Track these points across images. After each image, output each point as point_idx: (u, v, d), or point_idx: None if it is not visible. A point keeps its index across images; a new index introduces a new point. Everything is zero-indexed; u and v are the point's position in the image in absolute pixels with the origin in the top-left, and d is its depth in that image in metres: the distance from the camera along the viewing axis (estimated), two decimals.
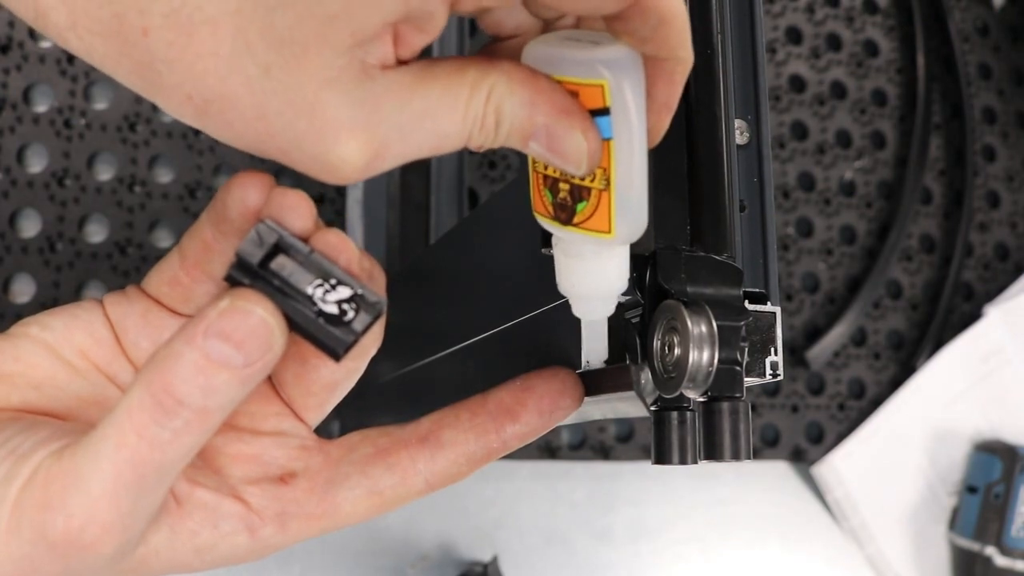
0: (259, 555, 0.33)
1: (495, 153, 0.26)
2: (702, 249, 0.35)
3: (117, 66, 0.28)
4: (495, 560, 0.71)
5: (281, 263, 0.29)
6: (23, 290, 0.67)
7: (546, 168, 0.31)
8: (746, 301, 0.35)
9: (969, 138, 0.89)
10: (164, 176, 0.70)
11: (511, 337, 0.41)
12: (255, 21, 0.27)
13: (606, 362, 0.35)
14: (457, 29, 0.71)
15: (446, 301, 0.51)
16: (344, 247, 0.30)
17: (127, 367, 0.34)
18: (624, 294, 0.34)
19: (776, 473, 0.83)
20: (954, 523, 0.83)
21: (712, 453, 0.33)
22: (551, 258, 0.33)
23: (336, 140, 0.28)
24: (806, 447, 0.82)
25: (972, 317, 0.88)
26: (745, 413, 0.33)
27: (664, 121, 0.31)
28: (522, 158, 0.34)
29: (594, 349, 0.34)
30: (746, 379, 0.34)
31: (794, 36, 0.88)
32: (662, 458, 0.33)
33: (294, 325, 0.29)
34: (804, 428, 0.83)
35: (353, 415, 0.64)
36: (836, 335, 0.83)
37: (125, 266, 0.68)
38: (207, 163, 0.71)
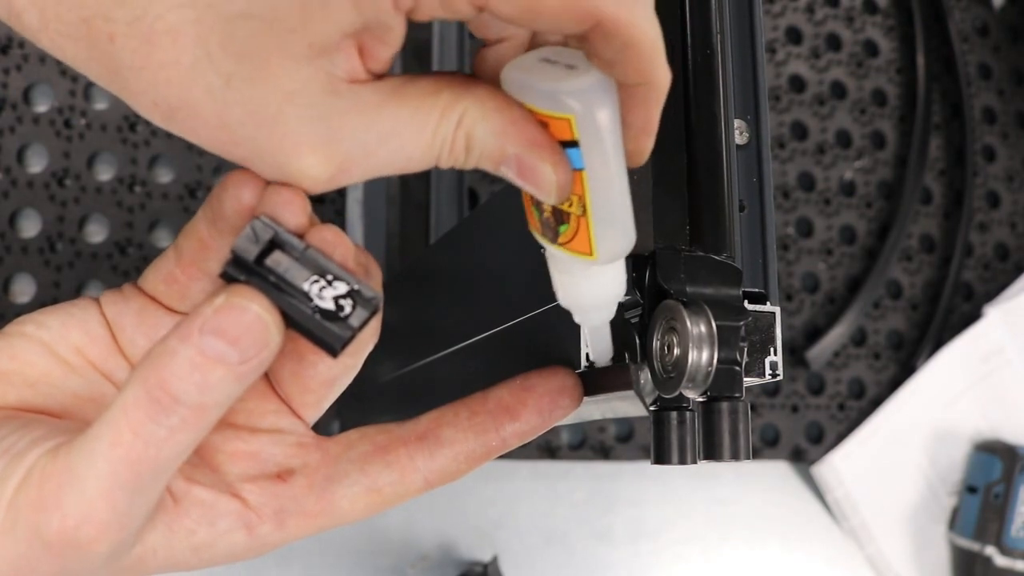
0: (257, 553, 0.33)
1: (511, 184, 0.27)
2: (701, 249, 0.35)
3: (88, 69, 0.29)
4: (495, 560, 0.71)
5: (277, 259, 0.29)
6: (23, 290, 0.67)
7: None
8: (745, 301, 0.35)
9: (969, 138, 0.89)
10: (164, 176, 0.70)
11: (511, 337, 0.41)
12: (215, 31, 0.27)
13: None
14: (457, 28, 0.71)
15: (446, 301, 0.51)
16: (339, 243, 0.30)
17: (123, 365, 0.34)
18: (624, 294, 0.34)
19: (776, 473, 0.83)
20: (954, 523, 0.83)
21: (711, 453, 0.33)
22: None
23: (297, 154, 0.28)
24: (806, 447, 0.82)
25: (972, 317, 0.88)
26: (744, 413, 0.33)
27: (644, 144, 0.30)
28: None
29: (599, 351, 0.34)
30: (745, 379, 0.34)
31: (794, 36, 0.88)
32: (662, 458, 0.33)
33: (290, 321, 0.29)
34: (804, 428, 0.83)
35: (353, 415, 0.64)
36: (836, 335, 0.83)
37: (125, 266, 0.68)
38: (207, 163, 0.71)
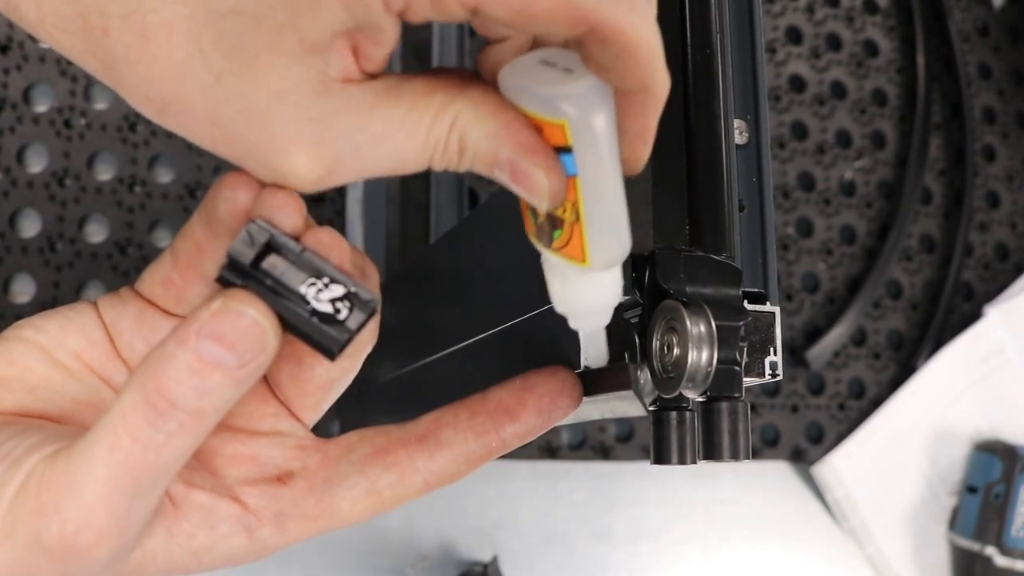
0: (257, 556, 0.32)
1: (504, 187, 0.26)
2: (701, 249, 0.35)
3: (84, 62, 0.29)
4: (495, 560, 0.71)
5: (273, 263, 0.29)
6: (23, 290, 0.67)
7: None
8: (745, 301, 0.35)
9: (969, 138, 0.89)
10: (164, 176, 0.70)
11: (510, 337, 0.41)
12: (207, 27, 0.27)
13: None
14: (457, 28, 0.71)
15: (446, 301, 0.51)
16: (335, 245, 0.30)
17: (122, 369, 0.34)
18: (624, 294, 0.34)
19: (776, 473, 0.83)
20: (954, 523, 0.83)
21: (711, 453, 0.33)
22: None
23: (287, 153, 0.28)
24: (806, 447, 0.82)
25: (972, 317, 0.88)
26: (744, 413, 0.33)
27: (640, 152, 0.30)
28: None
29: (593, 356, 0.34)
30: (745, 379, 0.34)
31: (794, 36, 0.88)
32: (661, 458, 0.33)
33: (288, 325, 0.29)
34: (804, 428, 0.83)
35: (353, 415, 0.64)
36: (836, 335, 0.83)
37: (125, 266, 0.68)
38: (207, 163, 0.71)
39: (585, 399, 0.36)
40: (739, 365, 0.33)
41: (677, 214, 0.35)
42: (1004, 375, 0.86)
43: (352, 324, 0.29)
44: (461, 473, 0.34)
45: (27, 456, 0.29)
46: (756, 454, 0.80)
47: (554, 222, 0.30)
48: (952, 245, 0.88)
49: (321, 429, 0.35)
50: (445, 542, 0.73)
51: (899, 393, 0.84)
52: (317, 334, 0.29)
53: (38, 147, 0.68)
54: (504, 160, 0.29)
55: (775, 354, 0.35)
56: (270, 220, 0.30)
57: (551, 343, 0.37)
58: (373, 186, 0.72)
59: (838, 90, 0.88)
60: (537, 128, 0.29)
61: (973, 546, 0.81)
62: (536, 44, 0.31)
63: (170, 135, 0.70)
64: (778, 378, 0.35)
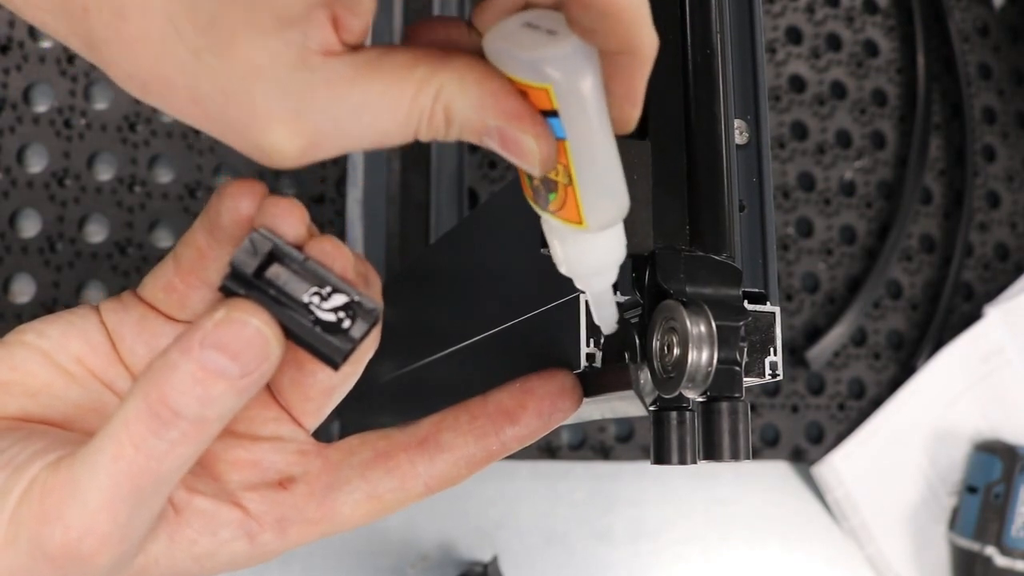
0: (259, 561, 0.32)
1: (495, 153, 0.26)
2: (701, 249, 0.34)
3: (69, 41, 0.29)
4: (495, 560, 0.71)
5: (276, 272, 0.29)
6: (23, 290, 0.67)
7: None
8: (745, 301, 0.35)
9: (969, 138, 0.89)
10: (164, 176, 0.70)
11: (510, 337, 0.41)
12: (182, 5, 0.26)
13: (605, 360, 0.35)
14: None
15: (446, 301, 0.51)
16: (338, 254, 0.30)
17: (124, 374, 0.34)
18: (623, 294, 0.34)
19: (776, 473, 0.83)
20: (954, 523, 0.83)
21: (711, 453, 0.33)
22: (550, 258, 0.33)
23: (267, 129, 0.28)
24: (806, 447, 0.82)
25: (972, 317, 0.88)
26: (744, 413, 0.33)
27: (629, 113, 0.29)
28: None
29: (603, 318, 0.34)
30: (745, 379, 0.34)
31: (794, 36, 0.88)
32: (661, 458, 0.33)
33: (291, 334, 0.29)
34: (804, 428, 0.83)
35: (353, 416, 0.64)
36: (836, 335, 0.83)
37: (125, 266, 0.68)
38: (207, 163, 0.71)
39: (585, 399, 0.36)
40: (739, 365, 0.33)
41: (677, 214, 0.35)
42: (1004, 375, 0.86)
43: (355, 333, 0.29)
44: (462, 476, 0.34)
45: (30, 463, 0.29)
46: (756, 454, 0.80)
47: (549, 185, 0.30)
48: (952, 245, 0.88)
49: (321, 430, 0.35)
50: (445, 542, 0.73)
51: (899, 393, 0.84)
52: (320, 344, 0.29)
53: (38, 147, 0.68)
54: (492, 128, 0.28)
55: (775, 354, 0.35)
56: (273, 229, 0.30)
57: (551, 343, 0.37)
58: (373, 186, 0.72)
59: (838, 90, 0.88)
60: (523, 93, 0.28)
61: (973, 546, 0.81)
62: (529, 3, 0.30)
63: (170, 135, 0.70)
64: (778, 378, 0.35)
